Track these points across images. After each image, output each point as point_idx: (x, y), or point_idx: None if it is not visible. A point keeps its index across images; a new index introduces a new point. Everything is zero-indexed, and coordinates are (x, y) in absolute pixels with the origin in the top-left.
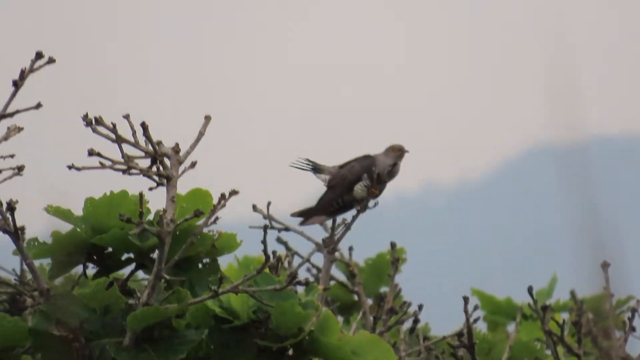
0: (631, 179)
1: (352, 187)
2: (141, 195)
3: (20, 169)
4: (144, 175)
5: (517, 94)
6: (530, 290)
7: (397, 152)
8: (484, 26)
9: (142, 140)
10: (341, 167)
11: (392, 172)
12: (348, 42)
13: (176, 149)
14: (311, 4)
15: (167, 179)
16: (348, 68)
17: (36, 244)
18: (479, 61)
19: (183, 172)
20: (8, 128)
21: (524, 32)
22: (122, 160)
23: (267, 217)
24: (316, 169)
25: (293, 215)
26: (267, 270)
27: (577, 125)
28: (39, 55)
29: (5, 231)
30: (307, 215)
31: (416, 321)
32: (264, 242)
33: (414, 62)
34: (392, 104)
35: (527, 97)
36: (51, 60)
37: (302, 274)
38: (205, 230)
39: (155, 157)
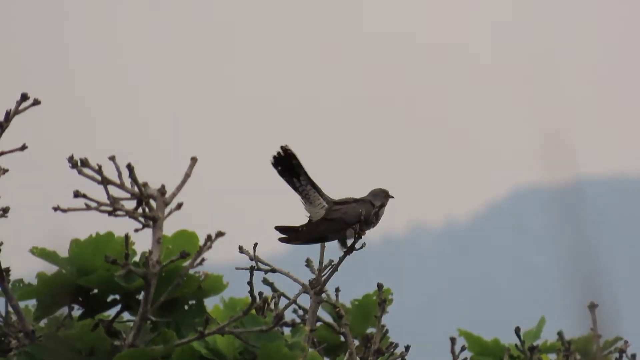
0: (619, 220)
1: (350, 226)
2: (127, 236)
3: (5, 210)
4: (129, 216)
5: (504, 136)
6: (517, 331)
7: (386, 197)
8: (469, 66)
9: (127, 181)
10: (337, 203)
11: (378, 214)
12: (320, 82)
13: (162, 191)
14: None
15: (153, 221)
16: (325, 110)
17: (21, 285)
18: (464, 102)
19: (169, 213)
20: None
21: (511, 73)
22: (108, 201)
23: (254, 258)
24: (303, 176)
25: (277, 228)
26: (253, 311)
27: (566, 167)
28: (24, 97)
29: None
30: (290, 234)
31: None
32: (250, 283)
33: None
34: (378, 145)
35: (514, 140)
36: (36, 102)
37: (289, 315)
38: (191, 271)
39: (141, 198)
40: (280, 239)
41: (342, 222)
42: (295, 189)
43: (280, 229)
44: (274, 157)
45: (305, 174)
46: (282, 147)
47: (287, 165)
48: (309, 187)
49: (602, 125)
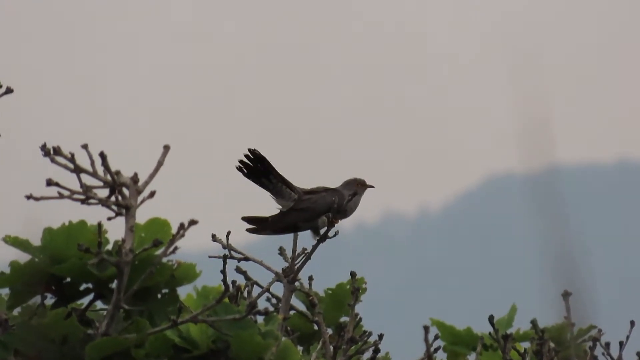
0: (593, 209)
1: (320, 215)
2: (100, 225)
3: None
4: (102, 205)
5: (477, 125)
6: (491, 319)
7: (359, 187)
8: (446, 53)
9: (100, 170)
10: (307, 192)
11: (351, 202)
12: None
13: (135, 179)
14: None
15: (125, 209)
16: (304, 96)
17: None
18: (439, 90)
19: (142, 201)
20: None
21: (488, 62)
22: (81, 190)
23: (227, 246)
24: (273, 175)
25: (244, 219)
26: (226, 299)
27: (542, 154)
28: None
29: None
30: (259, 225)
31: (376, 351)
32: (223, 271)
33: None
34: (353, 134)
35: (487, 127)
36: (9, 91)
37: (262, 304)
38: (164, 260)
39: (114, 186)
40: (249, 230)
41: (310, 212)
42: (265, 187)
43: (248, 219)
44: (241, 162)
45: (276, 172)
46: (249, 150)
47: (255, 167)
48: (279, 184)
49: (578, 113)
